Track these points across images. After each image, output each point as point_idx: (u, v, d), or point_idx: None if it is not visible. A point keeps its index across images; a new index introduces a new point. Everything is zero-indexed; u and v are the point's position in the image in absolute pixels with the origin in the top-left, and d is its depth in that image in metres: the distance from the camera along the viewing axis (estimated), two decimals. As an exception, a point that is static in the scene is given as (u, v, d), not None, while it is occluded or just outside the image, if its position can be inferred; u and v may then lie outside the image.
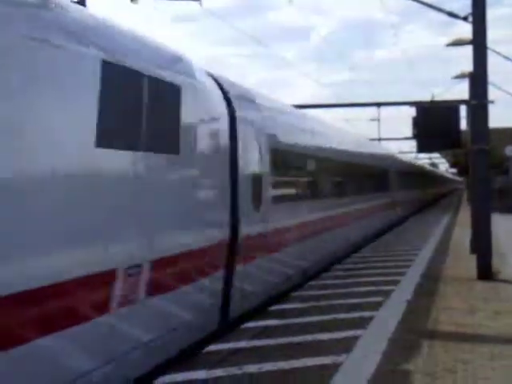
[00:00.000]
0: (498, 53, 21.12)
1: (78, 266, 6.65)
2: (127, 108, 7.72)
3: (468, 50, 15.55)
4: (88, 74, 6.99)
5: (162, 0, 21.95)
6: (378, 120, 36.74)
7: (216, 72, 11.69)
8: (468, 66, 16.56)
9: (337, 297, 13.35)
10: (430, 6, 16.54)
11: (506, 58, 16.56)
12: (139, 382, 8.01)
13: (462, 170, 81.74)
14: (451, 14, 16.30)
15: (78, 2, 8.03)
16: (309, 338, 9.95)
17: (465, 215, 37.66)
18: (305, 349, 9.32)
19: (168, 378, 8.11)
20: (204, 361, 8.77)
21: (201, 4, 19.99)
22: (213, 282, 10.19)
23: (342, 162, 20.95)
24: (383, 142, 41.53)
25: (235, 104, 11.50)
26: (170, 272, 8.56)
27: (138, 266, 7.72)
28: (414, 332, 10.29)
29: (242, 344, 9.62)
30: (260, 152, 12.53)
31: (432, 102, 29.22)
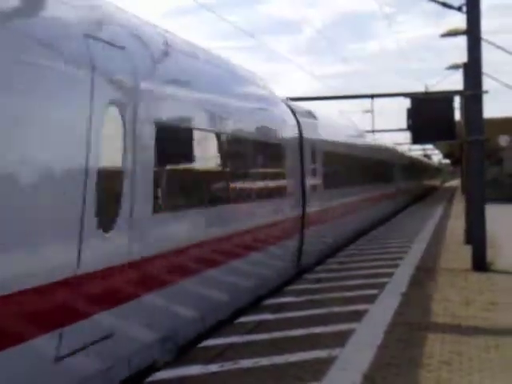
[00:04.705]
0: (493, 43, 21.07)
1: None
2: None
3: (461, 40, 15.55)
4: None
5: None
6: (372, 112, 36.63)
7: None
8: (460, 57, 16.50)
9: (331, 290, 13.33)
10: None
11: (500, 47, 16.48)
12: (133, 378, 7.98)
13: (456, 161, 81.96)
14: (445, 5, 16.21)
15: None
16: (303, 331, 9.92)
17: (459, 206, 37.71)
18: (299, 343, 9.30)
19: (163, 373, 8.07)
20: (199, 356, 8.73)
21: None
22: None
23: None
24: (377, 134, 41.51)
25: None
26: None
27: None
28: (408, 324, 10.27)
29: (237, 339, 9.58)
30: None
31: (426, 93, 29.10)
